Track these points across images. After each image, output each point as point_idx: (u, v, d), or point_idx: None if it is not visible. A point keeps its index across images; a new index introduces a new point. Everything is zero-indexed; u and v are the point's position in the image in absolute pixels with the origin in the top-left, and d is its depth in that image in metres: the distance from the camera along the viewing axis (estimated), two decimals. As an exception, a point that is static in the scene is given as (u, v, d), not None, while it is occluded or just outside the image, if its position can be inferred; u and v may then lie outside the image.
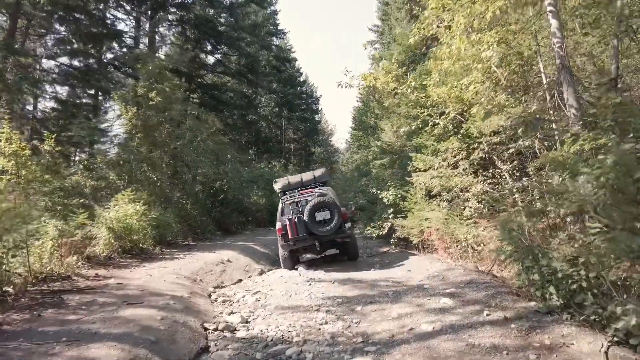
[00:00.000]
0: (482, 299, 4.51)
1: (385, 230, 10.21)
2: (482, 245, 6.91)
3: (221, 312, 5.29)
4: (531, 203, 7.23)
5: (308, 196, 8.30)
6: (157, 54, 20.03)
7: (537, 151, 7.95)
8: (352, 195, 17.18)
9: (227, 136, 25.19)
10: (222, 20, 23.91)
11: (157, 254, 9.06)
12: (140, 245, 8.98)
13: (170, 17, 21.46)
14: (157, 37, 21.33)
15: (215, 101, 22.95)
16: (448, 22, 7.26)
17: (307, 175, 9.53)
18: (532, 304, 4.04)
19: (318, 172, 9.61)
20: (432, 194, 9.25)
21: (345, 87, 10.17)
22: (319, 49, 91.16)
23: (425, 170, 9.51)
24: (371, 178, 16.11)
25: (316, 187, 8.97)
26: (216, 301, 5.88)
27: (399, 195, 10.15)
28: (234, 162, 16.35)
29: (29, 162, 7.64)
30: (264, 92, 36.57)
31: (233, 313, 5.20)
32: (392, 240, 10.16)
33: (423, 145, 9.81)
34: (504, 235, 5.07)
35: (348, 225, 8.25)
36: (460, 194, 8.42)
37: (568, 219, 5.37)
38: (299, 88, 43.51)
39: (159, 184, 11.69)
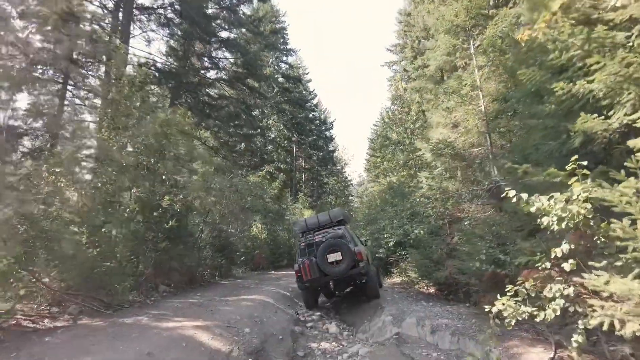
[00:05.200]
0: None
1: (558, 312, 3.30)
2: None
3: None
4: None
5: (322, 237, 7.97)
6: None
7: None
8: (397, 224, 10.24)
9: (225, 159, 19.08)
10: (218, 14, 18.54)
11: None
12: None
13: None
14: (139, 29, 15.90)
15: (200, 104, 16.88)
16: None
17: (323, 216, 8.84)
18: None
19: (333, 212, 8.89)
20: None
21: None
22: (333, 76, 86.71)
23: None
24: (426, 196, 9.38)
25: (332, 227, 8.42)
26: None
27: None
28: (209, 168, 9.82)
29: None
30: (270, 112, 30.76)
31: None
32: (576, 338, 3.23)
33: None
34: None
35: (363, 264, 7.35)
36: None
37: None
38: (311, 114, 37.78)
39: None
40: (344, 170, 46.77)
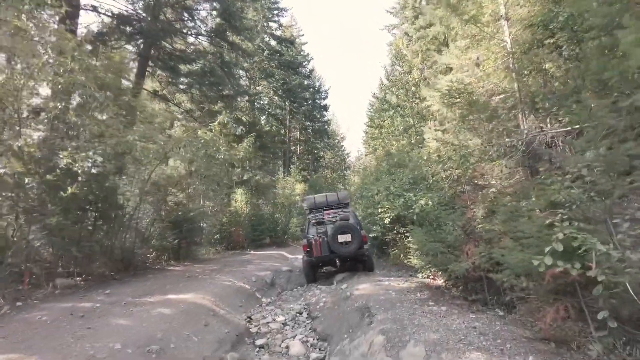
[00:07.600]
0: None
1: None
2: None
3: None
4: None
5: (332, 217, 8.61)
6: None
7: None
8: (395, 191, 7.68)
9: (203, 125, 16.25)
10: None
11: None
12: None
13: None
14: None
15: (166, 56, 13.96)
16: None
17: (331, 196, 9.39)
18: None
19: (342, 195, 9.44)
20: None
21: None
22: (325, 37, 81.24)
23: None
24: (436, 155, 6.75)
25: (339, 208, 9.02)
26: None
27: None
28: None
29: None
30: (259, 77, 27.65)
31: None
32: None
33: None
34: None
35: (367, 246, 8.10)
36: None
37: None
38: (305, 80, 34.48)
39: None
40: (341, 145, 43.84)
